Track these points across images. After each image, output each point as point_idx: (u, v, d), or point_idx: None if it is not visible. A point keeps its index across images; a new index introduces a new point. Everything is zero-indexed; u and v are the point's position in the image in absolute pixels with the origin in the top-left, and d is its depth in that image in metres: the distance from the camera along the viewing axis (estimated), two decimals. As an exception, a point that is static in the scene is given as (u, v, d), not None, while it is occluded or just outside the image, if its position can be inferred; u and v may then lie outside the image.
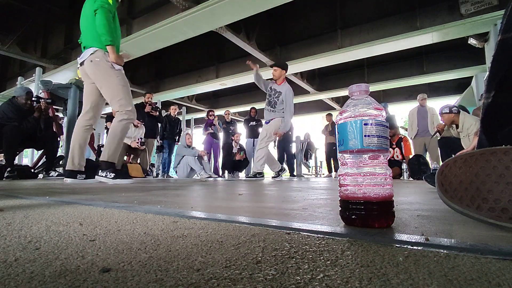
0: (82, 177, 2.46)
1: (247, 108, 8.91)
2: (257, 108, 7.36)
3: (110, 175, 2.31)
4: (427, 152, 5.19)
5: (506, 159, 0.49)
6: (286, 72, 3.99)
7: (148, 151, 5.33)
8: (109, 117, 5.40)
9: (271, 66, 3.94)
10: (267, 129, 3.91)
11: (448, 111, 3.59)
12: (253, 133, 6.79)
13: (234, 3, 4.49)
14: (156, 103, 6.87)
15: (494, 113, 0.67)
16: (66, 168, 2.48)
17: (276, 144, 6.70)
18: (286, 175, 6.90)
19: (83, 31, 2.43)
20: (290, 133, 6.81)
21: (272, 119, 3.93)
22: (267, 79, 4.17)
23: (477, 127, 3.36)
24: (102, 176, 2.33)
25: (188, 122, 11.19)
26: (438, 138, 4.14)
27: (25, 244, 0.40)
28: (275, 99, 3.92)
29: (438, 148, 4.37)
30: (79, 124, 2.47)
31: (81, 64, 2.43)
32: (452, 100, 8.77)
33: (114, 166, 2.40)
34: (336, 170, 6.81)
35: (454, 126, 3.66)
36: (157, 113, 5.62)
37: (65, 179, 2.42)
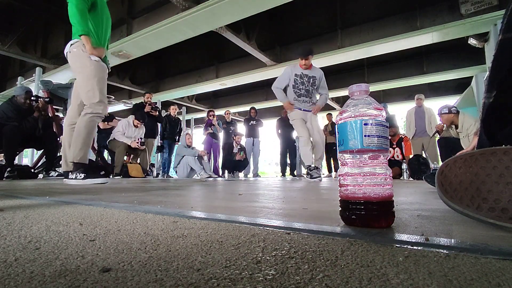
0: (81, 176, 2.44)
1: (247, 108, 8.91)
2: (256, 108, 7.36)
3: (80, 176, 2.18)
4: (425, 153, 5.20)
5: (506, 159, 0.49)
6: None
7: (148, 151, 5.33)
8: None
9: (305, 57, 3.42)
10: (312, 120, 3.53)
11: (447, 111, 3.60)
12: (253, 133, 6.79)
13: (234, 3, 4.49)
14: (156, 103, 6.87)
15: (495, 113, 0.66)
16: (63, 170, 2.44)
17: (280, 143, 6.71)
18: (288, 175, 6.91)
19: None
20: (294, 130, 6.80)
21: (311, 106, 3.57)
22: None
23: (476, 127, 3.37)
24: (72, 178, 2.19)
25: (188, 122, 11.20)
26: (438, 138, 4.15)
27: (25, 244, 0.40)
28: (310, 86, 3.54)
29: (437, 148, 4.38)
30: (66, 123, 2.40)
31: (66, 55, 2.33)
32: (452, 100, 8.77)
33: (85, 166, 2.27)
34: (336, 170, 6.81)
35: (453, 126, 3.67)
36: (157, 113, 5.63)
37: (64, 179, 2.39)
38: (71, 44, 2.25)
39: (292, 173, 6.74)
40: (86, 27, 2.18)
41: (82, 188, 1.69)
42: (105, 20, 2.39)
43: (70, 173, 2.22)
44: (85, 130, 2.23)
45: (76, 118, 2.33)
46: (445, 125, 3.88)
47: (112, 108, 10.43)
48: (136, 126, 5.06)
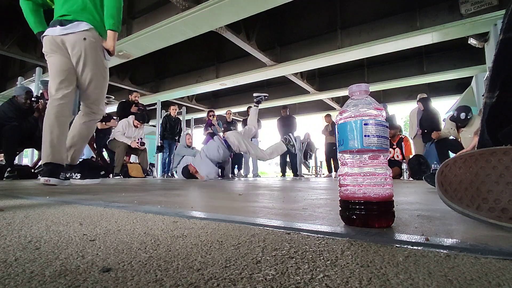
0: (77, 177, 2.32)
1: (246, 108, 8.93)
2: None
3: (76, 176, 2.12)
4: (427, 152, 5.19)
5: (506, 159, 0.49)
6: None
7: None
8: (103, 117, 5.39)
9: None
10: None
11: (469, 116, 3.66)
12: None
13: (234, 3, 4.48)
14: (154, 105, 6.80)
15: (496, 113, 0.66)
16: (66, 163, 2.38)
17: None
18: (289, 175, 6.90)
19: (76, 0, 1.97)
20: (294, 131, 6.81)
21: None
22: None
23: (476, 127, 3.41)
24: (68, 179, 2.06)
25: (188, 122, 11.20)
26: (435, 140, 4.16)
27: (25, 244, 0.40)
28: None
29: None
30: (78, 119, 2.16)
31: (61, 34, 1.93)
32: (452, 100, 8.78)
33: (78, 166, 2.19)
34: (336, 170, 6.80)
35: (453, 128, 3.71)
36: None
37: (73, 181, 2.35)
38: (85, 30, 1.92)
39: (295, 174, 6.74)
40: (120, 22, 1.97)
41: (82, 188, 1.69)
42: None
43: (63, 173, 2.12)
44: (89, 135, 2.16)
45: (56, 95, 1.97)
46: (437, 138, 3.95)
47: (112, 108, 10.43)
48: (136, 127, 5.05)
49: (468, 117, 3.68)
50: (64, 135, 1.97)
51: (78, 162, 2.23)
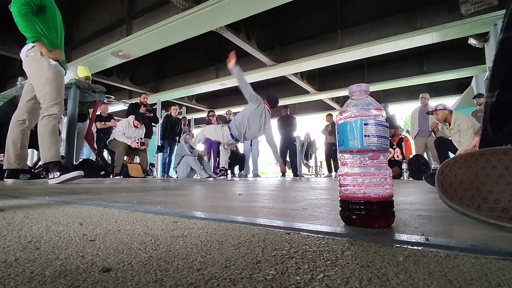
0: (26, 177, 2.38)
1: (247, 108, 8.92)
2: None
3: (56, 174, 2.20)
4: (428, 152, 5.20)
5: (506, 159, 0.49)
6: None
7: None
8: (98, 117, 5.42)
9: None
10: None
11: (443, 108, 3.75)
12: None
13: (234, 3, 4.49)
14: (155, 104, 6.86)
15: (497, 112, 0.66)
16: (3, 168, 2.40)
17: (280, 142, 6.70)
18: (289, 175, 6.89)
19: None
20: (294, 131, 6.80)
21: None
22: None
23: (467, 124, 3.46)
24: (51, 178, 2.21)
25: (188, 122, 11.21)
26: (434, 139, 4.19)
27: (25, 244, 0.40)
28: None
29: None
30: (13, 120, 2.42)
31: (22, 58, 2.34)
32: (452, 100, 8.78)
33: (59, 163, 2.28)
34: (336, 170, 6.80)
35: (447, 124, 3.76)
36: (151, 114, 5.64)
37: (5, 179, 2.34)
38: (28, 49, 2.26)
39: (295, 174, 6.73)
40: (36, 33, 2.20)
41: (82, 188, 1.69)
42: (58, 23, 2.41)
43: (48, 173, 2.24)
44: (46, 131, 2.26)
45: (23, 115, 2.41)
46: (439, 123, 3.99)
47: (112, 108, 10.44)
48: (136, 127, 5.06)
49: (438, 109, 3.78)
50: (15, 139, 2.38)
51: (78, 162, 2.26)
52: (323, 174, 9.54)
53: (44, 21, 2.28)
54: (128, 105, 6.18)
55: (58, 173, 2.20)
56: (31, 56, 2.25)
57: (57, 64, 2.30)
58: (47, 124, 2.27)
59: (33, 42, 2.22)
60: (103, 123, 5.59)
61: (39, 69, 2.25)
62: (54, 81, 2.27)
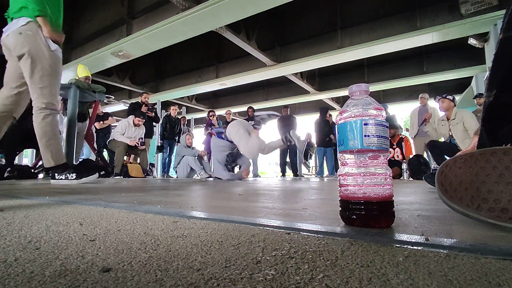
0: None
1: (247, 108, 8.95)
2: (257, 108, 7.36)
3: (72, 176, 2.03)
4: (429, 152, 5.20)
5: (506, 159, 0.49)
6: None
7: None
8: (99, 117, 5.42)
9: None
10: None
11: (451, 98, 3.73)
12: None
13: (234, 3, 4.48)
14: (155, 104, 6.87)
15: (495, 112, 0.66)
16: None
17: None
18: (289, 175, 6.89)
19: (11, 0, 1.95)
20: (294, 131, 6.79)
21: None
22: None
23: (467, 123, 3.46)
24: (61, 179, 2.02)
25: (188, 122, 11.23)
26: (426, 142, 4.15)
27: (25, 244, 0.40)
28: None
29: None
30: None
31: (6, 36, 1.93)
32: (452, 100, 8.75)
33: (68, 164, 2.11)
34: (336, 170, 6.80)
35: (444, 119, 3.76)
36: (153, 114, 5.64)
37: (52, 180, 2.17)
38: (22, 25, 1.87)
39: (295, 174, 6.73)
40: (42, 5, 1.89)
41: (82, 188, 1.69)
42: (61, 1, 2.12)
43: (56, 174, 2.06)
44: (53, 131, 2.02)
45: (11, 106, 2.02)
46: (431, 116, 3.99)
47: (112, 108, 10.44)
48: (137, 125, 5.05)
49: (446, 97, 3.78)
50: None
51: (78, 161, 2.24)
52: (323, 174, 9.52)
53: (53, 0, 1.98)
54: (128, 105, 6.19)
55: (74, 175, 2.04)
56: (27, 35, 1.86)
57: (57, 49, 2.00)
58: (52, 123, 2.00)
59: (37, 17, 1.86)
60: (101, 122, 5.59)
61: (37, 53, 1.89)
62: (56, 73, 1.99)
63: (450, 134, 3.69)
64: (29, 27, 1.89)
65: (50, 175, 2.12)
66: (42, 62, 1.91)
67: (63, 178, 2.05)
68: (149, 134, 5.67)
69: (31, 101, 3.80)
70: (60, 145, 2.11)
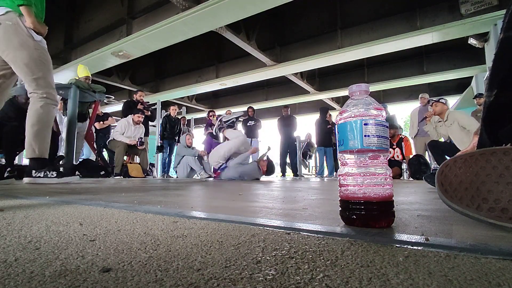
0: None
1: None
2: (257, 108, 7.36)
3: (53, 174, 1.93)
4: (429, 152, 5.19)
5: (506, 159, 0.49)
6: None
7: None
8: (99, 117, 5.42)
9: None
10: None
11: (444, 102, 3.83)
12: (251, 133, 6.79)
13: (234, 3, 4.49)
14: (149, 102, 6.87)
15: (496, 112, 0.66)
16: None
17: (280, 142, 6.70)
18: (289, 175, 6.89)
19: None
20: (294, 131, 6.81)
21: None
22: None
23: (461, 122, 3.48)
24: (40, 177, 1.92)
25: (188, 122, 11.23)
26: (427, 142, 4.16)
27: (25, 244, 0.40)
28: None
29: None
30: None
31: None
32: (452, 100, 8.77)
33: (47, 162, 2.01)
34: (336, 170, 6.81)
35: (441, 120, 3.80)
36: (149, 113, 5.61)
37: (26, 178, 2.07)
38: (1, 14, 1.79)
39: (295, 174, 6.73)
40: None
41: (82, 188, 1.69)
42: None
43: (33, 171, 1.94)
44: (48, 122, 1.94)
45: None
46: (433, 115, 4.02)
47: (112, 108, 10.45)
48: (137, 122, 5.04)
49: (440, 101, 3.82)
50: None
51: (78, 161, 2.22)
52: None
53: None
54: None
55: (54, 173, 1.96)
56: (7, 25, 1.78)
57: (42, 40, 1.92)
58: (49, 113, 1.92)
59: (21, 6, 1.77)
60: (101, 122, 5.59)
61: (21, 44, 1.80)
62: (46, 63, 1.92)
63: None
64: (8, 17, 1.80)
65: (24, 175, 1.97)
66: (30, 53, 1.84)
67: (42, 176, 1.93)
68: (146, 132, 5.67)
69: (27, 99, 3.78)
70: (49, 139, 2.01)
